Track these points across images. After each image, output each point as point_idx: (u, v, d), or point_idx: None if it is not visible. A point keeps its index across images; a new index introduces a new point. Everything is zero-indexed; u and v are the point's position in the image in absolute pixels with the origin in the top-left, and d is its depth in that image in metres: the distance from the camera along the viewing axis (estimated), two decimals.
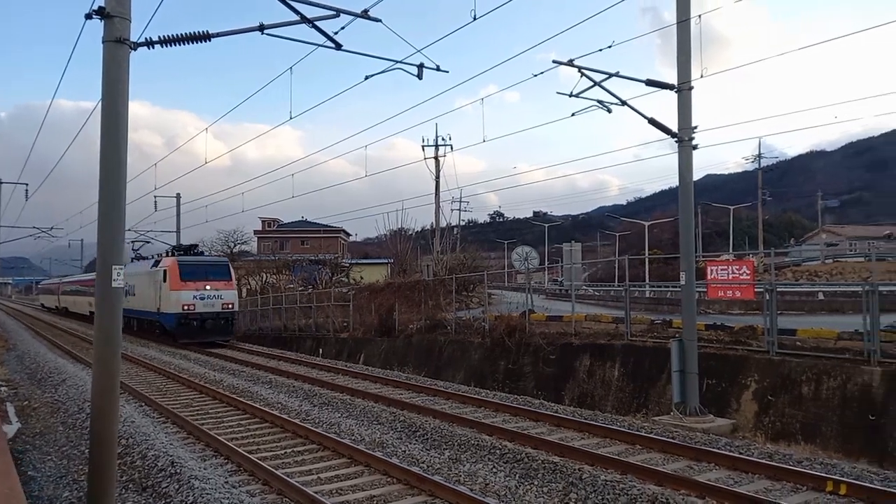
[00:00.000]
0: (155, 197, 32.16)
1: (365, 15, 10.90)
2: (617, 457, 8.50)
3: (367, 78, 13.25)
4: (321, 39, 11.48)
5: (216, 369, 18.04)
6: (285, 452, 8.99)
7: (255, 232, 71.35)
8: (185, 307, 24.29)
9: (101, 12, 6.22)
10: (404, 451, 8.98)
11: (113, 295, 6.16)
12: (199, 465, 8.26)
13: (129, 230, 32.91)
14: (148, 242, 36.07)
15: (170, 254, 27.84)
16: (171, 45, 8.77)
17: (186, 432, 10.29)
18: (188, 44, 8.86)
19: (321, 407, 12.33)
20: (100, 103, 6.42)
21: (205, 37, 8.86)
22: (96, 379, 6.23)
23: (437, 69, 12.41)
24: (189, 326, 24.41)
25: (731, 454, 8.58)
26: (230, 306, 25.69)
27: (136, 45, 6.87)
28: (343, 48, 11.63)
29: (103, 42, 6.30)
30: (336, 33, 11.28)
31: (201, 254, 29.83)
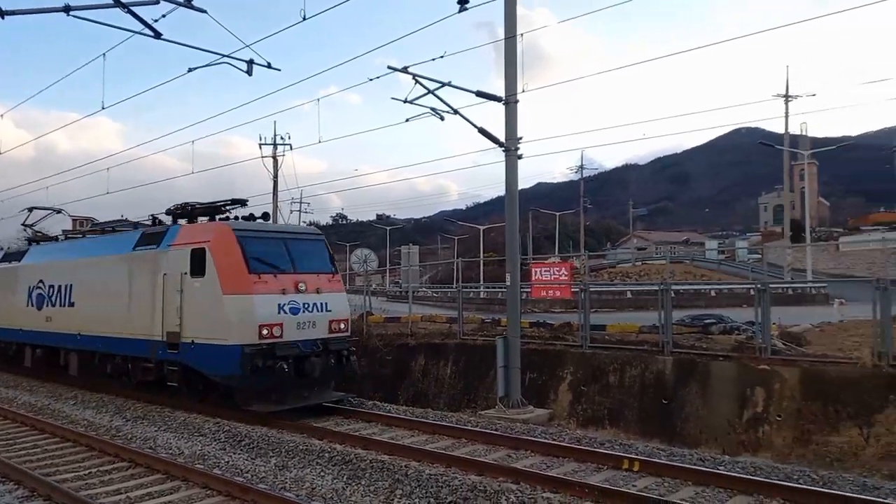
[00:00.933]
0: None
1: (188, 4, 10.30)
2: (443, 451, 8.83)
3: (190, 70, 12.56)
4: (139, 27, 10.67)
5: (9, 386, 15.93)
6: (90, 473, 8.18)
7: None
8: (265, 331, 10.90)
9: None
10: (228, 462, 8.60)
11: None
12: None
13: None
14: (59, 212, 21.63)
15: (176, 219, 13.56)
16: None
17: None
18: None
19: (135, 421, 11.39)
20: None
21: None
22: None
23: (269, 66, 12.08)
24: (273, 373, 10.77)
25: (545, 441, 9.29)
26: (342, 327, 12.33)
27: None
28: (164, 37, 10.89)
29: None
30: (156, 21, 10.54)
31: (264, 217, 13.03)
